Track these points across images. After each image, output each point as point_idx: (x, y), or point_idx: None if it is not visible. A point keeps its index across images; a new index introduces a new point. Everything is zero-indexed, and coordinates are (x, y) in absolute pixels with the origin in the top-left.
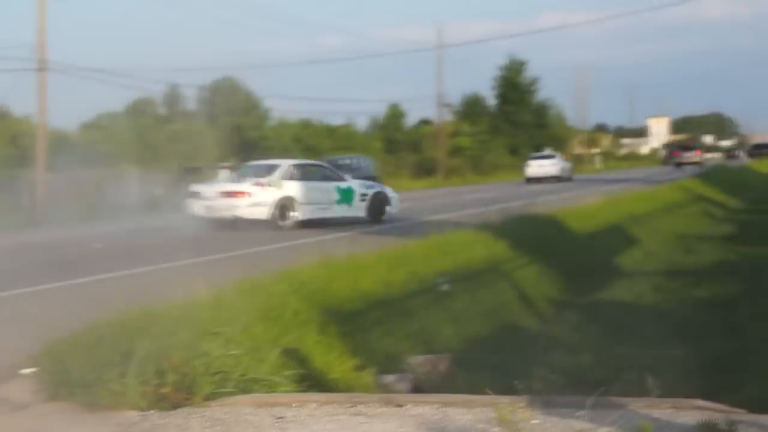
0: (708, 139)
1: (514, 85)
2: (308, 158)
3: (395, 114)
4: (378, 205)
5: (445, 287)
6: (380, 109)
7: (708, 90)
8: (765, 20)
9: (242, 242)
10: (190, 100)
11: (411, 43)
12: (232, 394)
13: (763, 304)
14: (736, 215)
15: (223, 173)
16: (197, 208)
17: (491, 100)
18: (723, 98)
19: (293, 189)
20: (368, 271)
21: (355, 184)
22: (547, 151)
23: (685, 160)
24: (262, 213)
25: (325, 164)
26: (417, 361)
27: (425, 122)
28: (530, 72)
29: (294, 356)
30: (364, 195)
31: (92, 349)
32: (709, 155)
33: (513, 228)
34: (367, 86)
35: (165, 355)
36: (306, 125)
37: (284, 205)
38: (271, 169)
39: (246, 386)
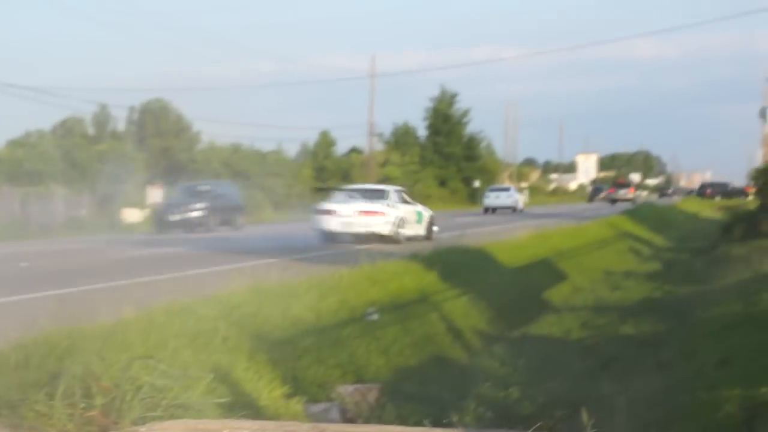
0: (635, 176)
1: (445, 117)
2: (238, 182)
3: (326, 141)
4: (430, 225)
5: (375, 317)
6: (311, 136)
7: (636, 128)
8: (692, 61)
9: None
10: (120, 121)
11: (343, 70)
12: (161, 419)
13: (687, 342)
14: (662, 253)
15: (335, 194)
16: (333, 224)
17: (422, 130)
18: (650, 136)
19: (402, 210)
20: (299, 298)
21: (420, 208)
22: (504, 185)
23: (619, 197)
24: (388, 230)
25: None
26: (346, 390)
27: (356, 151)
28: (461, 104)
29: (223, 382)
30: (426, 217)
31: (18, 370)
32: (640, 193)
33: (443, 259)
34: (299, 113)
35: (93, 377)
36: (236, 150)
37: (399, 224)
38: (382, 193)
39: (175, 412)
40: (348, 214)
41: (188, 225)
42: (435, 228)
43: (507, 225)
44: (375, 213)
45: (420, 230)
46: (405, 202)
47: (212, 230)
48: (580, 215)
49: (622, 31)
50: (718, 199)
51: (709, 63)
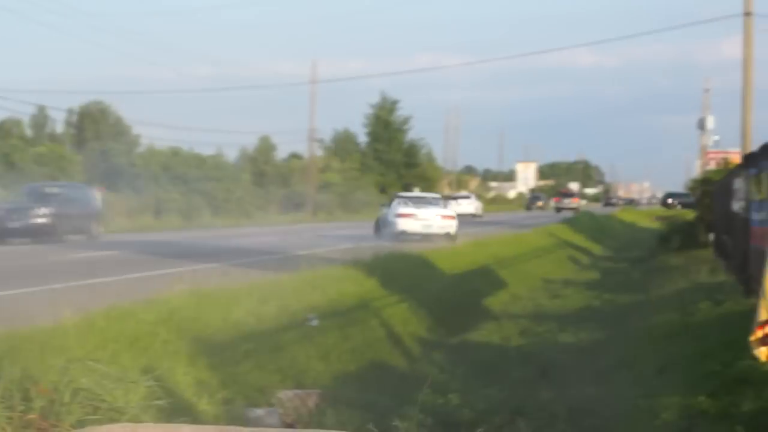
0: (574, 186)
1: (385, 124)
2: (176, 188)
3: (266, 147)
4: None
5: (315, 323)
6: (251, 141)
7: (575, 137)
8: (631, 71)
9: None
10: (59, 123)
11: (284, 76)
12: (100, 422)
13: (626, 350)
14: (601, 262)
15: (397, 201)
16: (414, 226)
17: (362, 137)
18: (589, 146)
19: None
20: (240, 303)
21: None
22: (464, 193)
23: (564, 206)
24: (455, 230)
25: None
26: (286, 395)
27: (296, 156)
28: (402, 111)
29: (163, 386)
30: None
31: None
32: (581, 202)
33: (383, 266)
34: (239, 118)
35: (32, 380)
36: (175, 153)
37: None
38: (442, 200)
39: (114, 416)
40: (428, 217)
41: (31, 233)
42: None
43: None
44: (450, 218)
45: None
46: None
47: (61, 240)
48: (520, 223)
49: (561, 41)
50: (679, 207)
51: (648, 73)
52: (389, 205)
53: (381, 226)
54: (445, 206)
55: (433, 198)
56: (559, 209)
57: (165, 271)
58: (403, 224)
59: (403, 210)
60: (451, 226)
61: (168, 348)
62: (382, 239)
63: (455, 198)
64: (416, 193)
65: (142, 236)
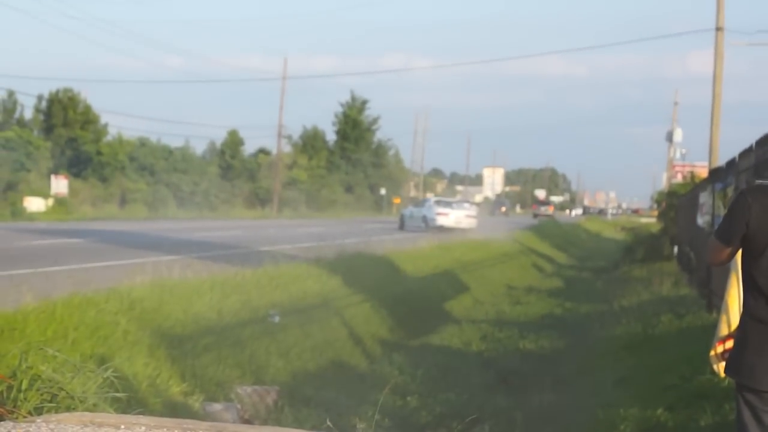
0: (540, 193)
1: (354, 123)
2: (143, 178)
3: (234, 141)
4: None
5: (276, 319)
6: (220, 135)
7: (543, 144)
8: (601, 81)
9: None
10: (27, 109)
11: (255, 71)
12: (57, 410)
13: (586, 360)
14: (564, 270)
15: (428, 201)
16: (447, 221)
17: (331, 135)
18: (556, 154)
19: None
20: (201, 296)
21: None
22: (460, 198)
23: (541, 213)
24: (476, 226)
25: None
26: (245, 391)
27: (263, 152)
28: (372, 111)
29: (122, 377)
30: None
31: None
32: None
33: (347, 265)
34: (208, 110)
35: None
36: (143, 143)
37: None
38: (463, 203)
39: (71, 404)
40: (458, 216)
41: None
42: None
43: (412, 234)
44: (474, 217)
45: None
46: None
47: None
48: (484, 229)
49: (533, 48)
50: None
51: (618, 84)
52: (414, 205)
53: (407, 220)
54: (469, 207)
55: (461, 202)
56: (536, 215)
57: (128, 261)
58: (440, 219)
59: (442, 209)
60: (474, 223)
61: (128, 338)
62: (407, 230)
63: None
64: (450, 198)
65: (106, 225)
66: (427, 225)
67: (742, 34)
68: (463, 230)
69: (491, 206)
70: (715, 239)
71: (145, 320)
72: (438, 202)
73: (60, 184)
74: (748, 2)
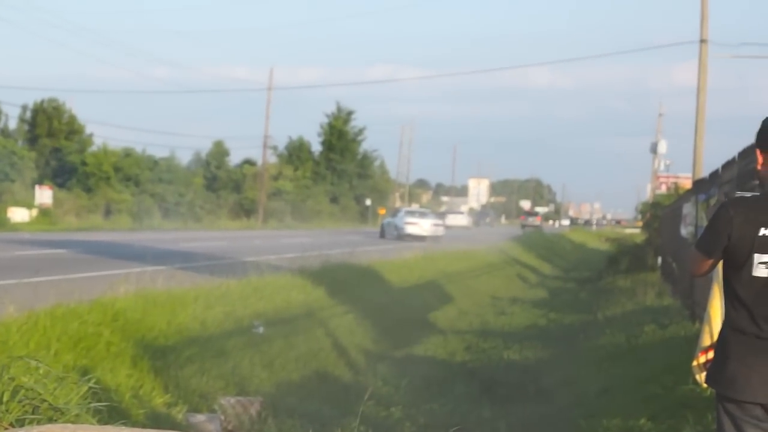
0: (525, 204)
1: (340, 134)
2: (128, 189)
3: (219, 151)
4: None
5: (260, 330)
6: (205, 145)
7: (528, 155)
8: (587, 93)
9: None
10: (12, 119)
11: (241, 82)
12: (40, 422)
13: (570, 370)
14: (549, 281)
15: (401, 211)
16: (415, 230)
17: (316, 146)
18: (542, 165)
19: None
20: (185, 307)
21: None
22: (460, 209)
23: (529, 224)
24: (442, 234)
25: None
26: (228, 402)
27: (249, 162)
28: (357, 122)
29: (105, 388)
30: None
31: None
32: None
33: (332, 276)
34: (193, 121)
35: None
36: (128, 154)
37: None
38: (430, 214)
39: (54, 416)
40: (426, 224)
41: None
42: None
43: (396, 245)
44: (440, 225)
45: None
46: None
47: None
48: (469, 238)
49: (518, 59)
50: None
51: (603, 96)
52: (392, 216)
53: (386, 229)
54: (437, 218)
55: (429, 212)
56: (524, 226)
57: (112, 272)
58: (409, 228)
59: (410, 219)
60: (440, 231)
61: (111, 349)
62: (387, 238)
63: (452, 213)
64: (421, 209)
65: (90, 236)
66: (399, 233)
67: (727, 47)
68: (432, 238)
69: (476, 217)
70: (696, 251)
71: (128, 331)
72: (408, 212)
73: (44, 195)
74: (732, 15)
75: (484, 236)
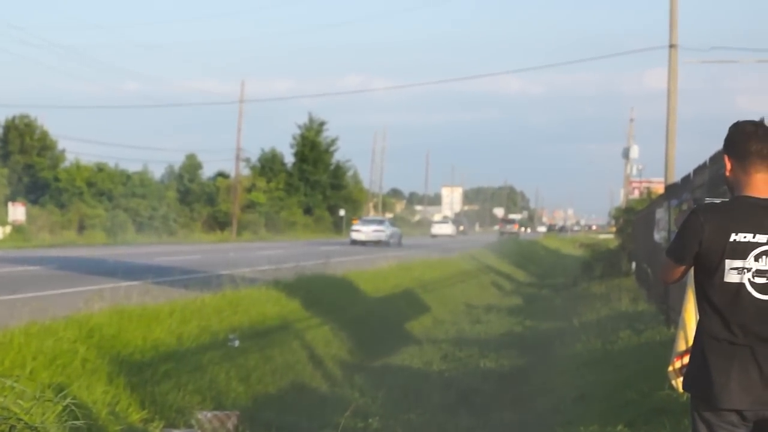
0: (499, 211)
1: (312, 144)
2: (101, 204)
3: (192, 164)
4: (399, 238)
5: (236, 343)
6: (178, 159)
7: (500, 162)
8: (558, 99)
9: None
10: None
11: (212, 95)
12: None
13: (547, 377)
14: (524, 288)
15: (361, 220)
16: (359, 236)
17: (289, 157)
18: (514, 172)
19: (390, 230)
20: (160, 322)
21: (396, 228)
22: (444, 217)
23: (507, 231)
24: (385, 239)
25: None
26: (205, 417)
27: (222, 175)
28: (329, 132)
29: (81, 405)
30: (398, 233)
31: None
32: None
33: (306, 287)
34: (166, 135)
35: None
36: (101, 169)
37: (390, 236)
38: (383, 221)
39: None
40: (367, 231)
41: None
42: (402, 240)
43: (370, 255)
44: (382, 231)
45: (395, 240)
46: (392, 226)
47: None
48: (444, 247)
49: (489, 67)
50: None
51: (574, 102)
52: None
53: (353, 237)
54: (381, 224)
55: (382, 220)
56: (502, 233)
57: (87, 288)
58: (354, 235)
59: (357, 227)
60: (382, 236)
61: (87, 366)
62: (352, 244)
63: (437, 222)
64: (374, 217)
65: (64, 251)
66: (351, 239)
67: (696, 51)
68: (374, 242)
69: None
70: (667, 258)
71: (103, 348)
72: (360, 221)
73: (17, 212)
74: (701, 20)
75: (458, 244)
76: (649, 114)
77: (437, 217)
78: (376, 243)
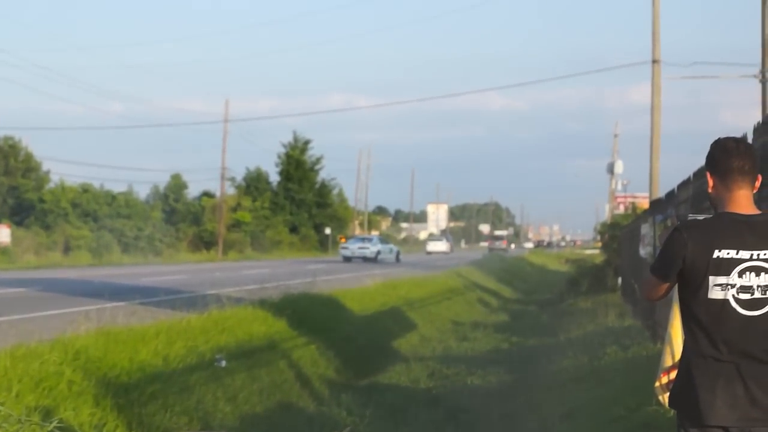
0: (485, 228)
1: (297, 163)
2: (86, 225)
3: (177, 184)
4: (397, 255)
5: (223, 363)
6: (162, 179)
7: (486, 179)
8: (542, 115)
9: None
10: None
11: (197, 114)
12: None
13: (534, 394)
14: (510, 305)
15: (352, 238)
16: (347, 252)
17: (274, 176)
18: (499, 188)
19: (380, 246)
20: (147, 343)
21: (391, 245)
22: (439, 234)
23: (495, 248)
24: (374, 255)
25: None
26: None
27: (207, 195)
28: (314, 150)
29: (67, 428)
30: (395, 250)
31: None
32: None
33: (293, 306)
34: (150, 155)
35: None
36: (86, 190)
37: (378, 253)
38: (372, 239)
39: None
40: (355, 248)
41: None
42: (400, 257)
43: (357, 273)
44: (368, 248)
45: (391, 257)
46: (383, 243)
47: None
48: (430, 264)
49: (472, 84)
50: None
51: (559, 118)
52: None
53: (342, 253)
54: (369, 242)
55: (370, 238)
56: (491, 249)
57: (72, 310)
58: (343, 251)
59: (346, 245)
60: (369, 253)
61: (73, 389)
62: (344, 260)
63: (432, 240)
64: (364, 236)
65: (50, 273)
66: (342, 256)
67: (678, 66)
68: (357, 258)
69: None
70: (651, 275)
71: (90, 370)
72: (349, 239)
73: (2, 233)
74: (684, 36)
75: (446, 261)
76: (633, 129)
77: (432, 234)
78: (364, 259)
